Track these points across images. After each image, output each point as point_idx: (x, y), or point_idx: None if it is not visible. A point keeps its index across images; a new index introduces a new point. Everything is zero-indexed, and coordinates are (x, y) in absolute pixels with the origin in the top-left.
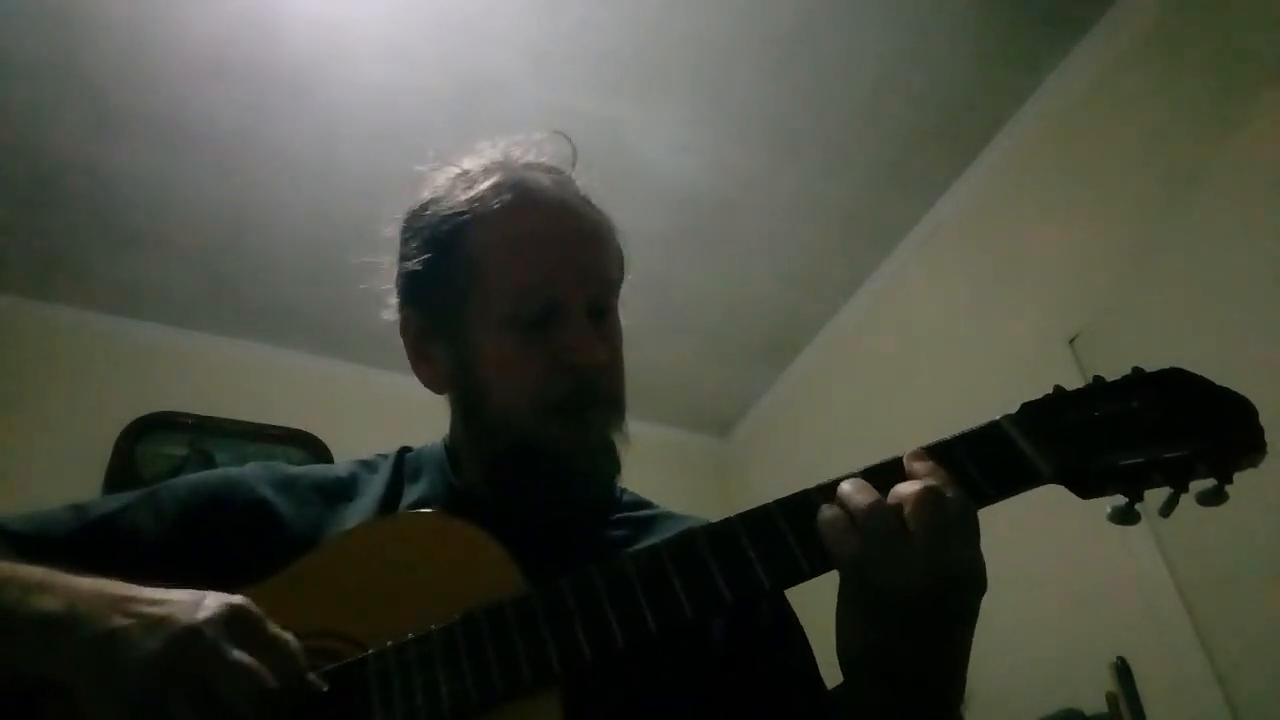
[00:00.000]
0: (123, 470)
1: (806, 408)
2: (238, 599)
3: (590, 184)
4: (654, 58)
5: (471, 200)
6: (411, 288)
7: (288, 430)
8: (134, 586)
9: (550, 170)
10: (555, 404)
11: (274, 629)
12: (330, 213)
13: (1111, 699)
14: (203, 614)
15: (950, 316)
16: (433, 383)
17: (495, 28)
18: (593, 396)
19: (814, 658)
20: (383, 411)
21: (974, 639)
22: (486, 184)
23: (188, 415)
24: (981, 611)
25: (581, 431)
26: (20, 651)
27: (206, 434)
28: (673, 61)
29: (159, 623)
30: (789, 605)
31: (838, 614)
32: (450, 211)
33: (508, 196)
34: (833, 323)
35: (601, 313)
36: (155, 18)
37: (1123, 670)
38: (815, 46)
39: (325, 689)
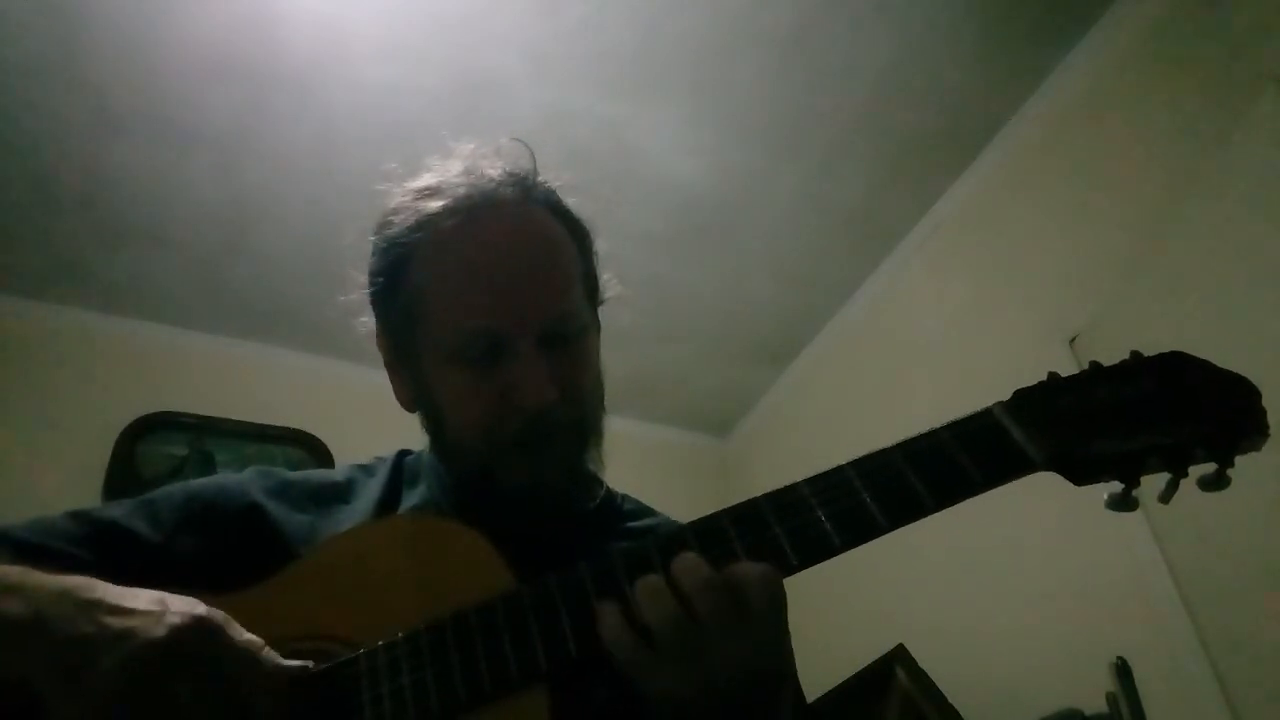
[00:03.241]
0: (123, 470)
1: (806, 408)
2: (201, 608)
3: (565, 186)
4: (654, 58)
5: (420, 224)
6: (375, 307)
7: (288, 430)
8: (100, 587)
9: (513, 180)
10: (508, 441)
11: (240, 635)
12: (330, 213)
13: (1111, 699)
14: (163, 628)
15: (950, 316)
16: (402, 401)
17: (495, 28)
18: (544, 435)
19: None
20: (383, 411)
21: (974, 638)
22: (436, 205)
23: (188, 415)
24: (982, 611)
25: (538, 466)
26: None
27: (206, 434)
28: (673, 61)
29: (122, 635)
30: None
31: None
32: (400, 233)
33: (452, 223)
34: (833, 323)
35: (561, 341)
36: (155, 18)
37: (1123, 670)
38: (815, 46)
39: (309, 667)
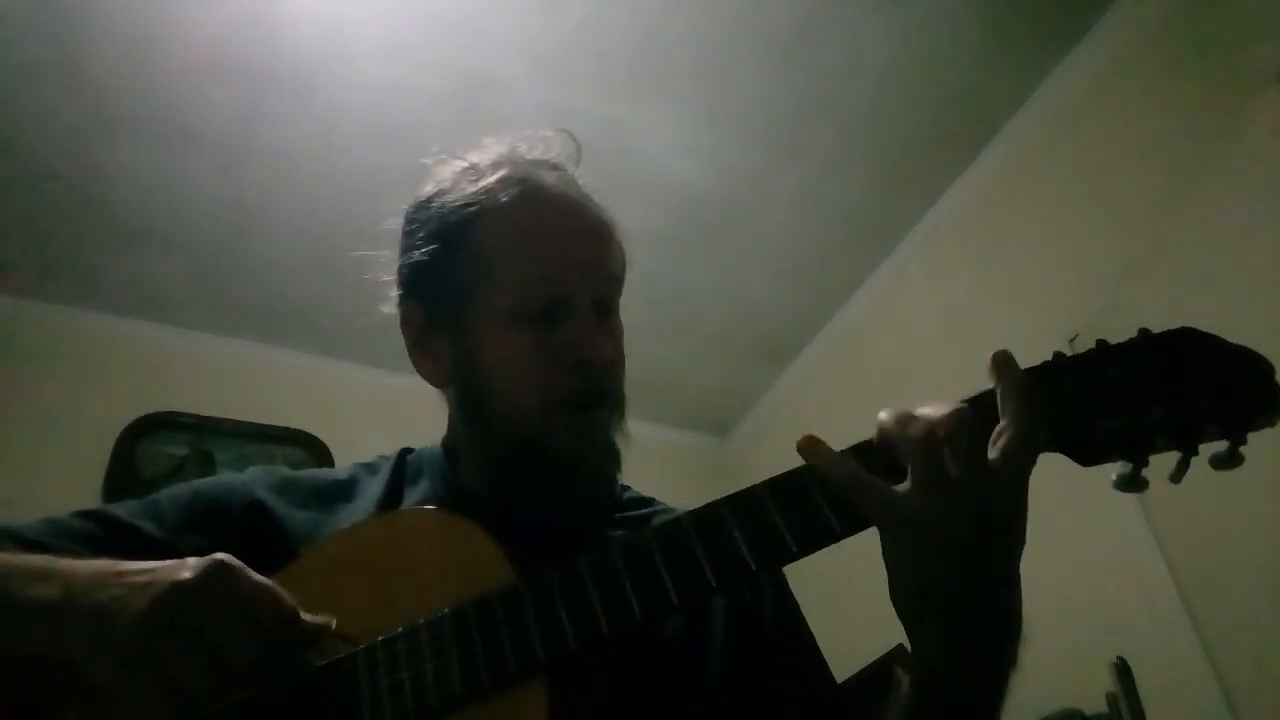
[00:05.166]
0: (123, 470)
1: (806, 408)
2: (220, 555)
3: (592, 183)
4: (654, 58)
5: (479, 193)
6: (415, 280)
7: (288, 430)
8: (124, 563)
9: (554, 167)
10: (562, 402)
11: (256, 577)
12: (330, 213)
13: (1111, 699)
14: (186, 571)
15: (950, 316)
16: (433, 377)
17: (495, 28)
18: (599, 394)
19: (815, 641)
20: (383, 411)
21: None
22: (493, 178)
23: (188, 415)
24: None
25: (587, 430)
26: (26, 637)
27: (206, 434)
28: (673, 61)
29: (146, 585)
30: (789, 591)
31: (887, 563)
32: (457, 204)
33: (515, 190)
34: (833, 323)
35: (607, 309)
36: (155, 18)
37: (1123, 670)
38: (815, 46)
39: (330, 624)
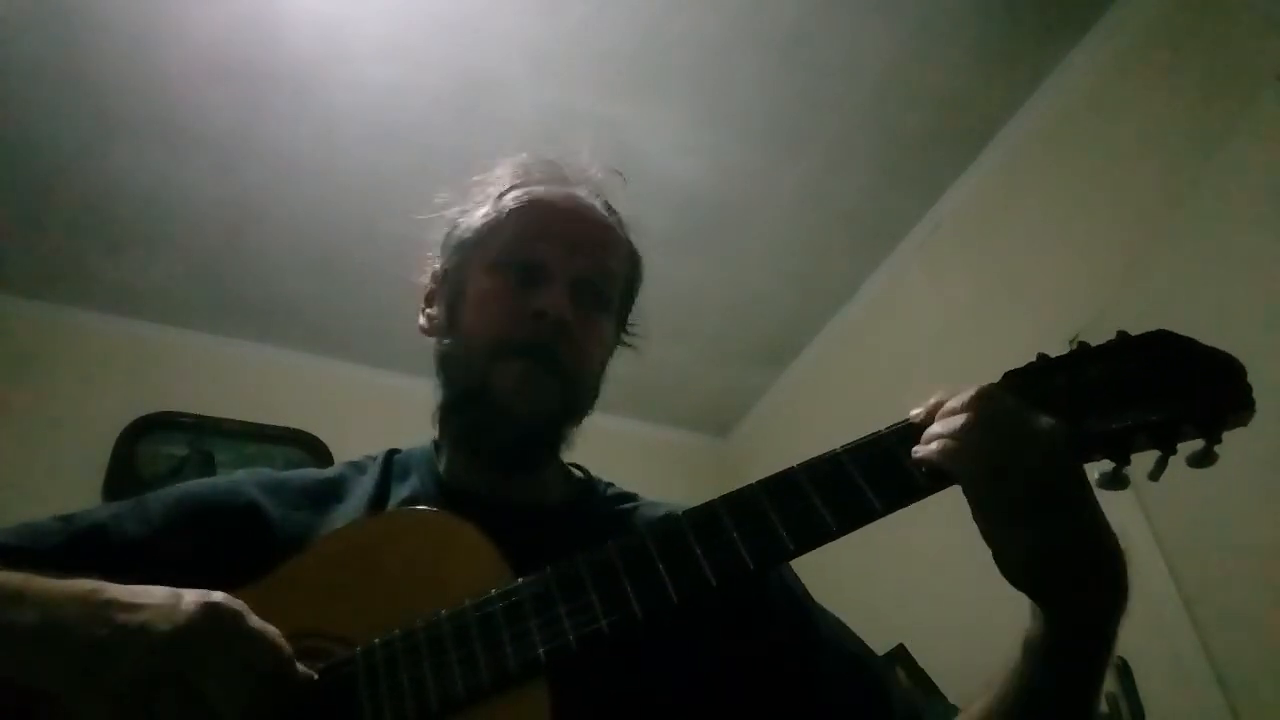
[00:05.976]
0: (123, 470)
1: (806, 408)
2: (216, 595)
3: (625, 212)
4: (654, 58)
5: (516, 173)
6: (448, 239)
7: (288, 430)
8: (110, 588)
9: (592, 187)
10: (508, 345)
11: (255, 621)
12: (330, 213)
13: (1111, 699)
14: (181, 617)
15: (950, 316)
16: (428, 327)
17: (495, 28)
18: (547, 351)
19: (842, 622)
20: (383, 411)
21: (974, 638)
22: (525, 163)
23: (188, 415)
24: (982, 611)
25: (533, 378)
26: (3, 665)
27: (206, 434)
28: (673, 61)
29: (139, 629)
30: (796, 578)
31: (985, 534)
32: (497, 182)
33: (539, 177)
34: (833, 323)
35: (588, 297)
36: (155, 18)
37: (1123, 670)
38: (815, 46)
39: (314, 677)
